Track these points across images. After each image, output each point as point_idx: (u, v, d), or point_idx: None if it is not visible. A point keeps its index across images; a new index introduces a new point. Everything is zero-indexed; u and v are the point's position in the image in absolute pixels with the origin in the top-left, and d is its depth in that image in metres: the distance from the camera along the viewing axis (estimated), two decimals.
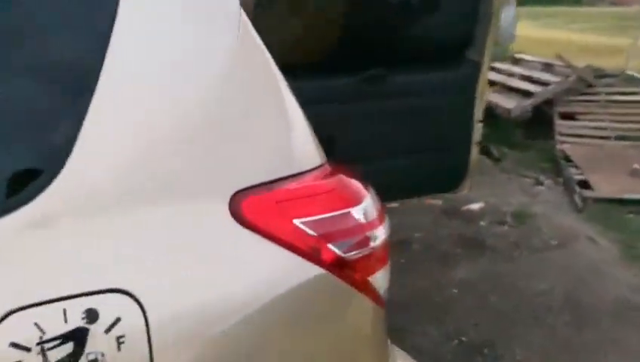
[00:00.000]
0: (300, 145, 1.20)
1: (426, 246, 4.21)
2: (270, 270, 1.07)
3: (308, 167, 1.17)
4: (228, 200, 1.04)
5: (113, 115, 0.98)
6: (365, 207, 1.20)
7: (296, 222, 1.09)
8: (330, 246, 1.12)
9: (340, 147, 2.82)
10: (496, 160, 6.09)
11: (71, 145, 0.92)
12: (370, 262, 1.20)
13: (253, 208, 1.06)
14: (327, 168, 1.22)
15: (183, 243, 0.99)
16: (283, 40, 2.56)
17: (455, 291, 3.57)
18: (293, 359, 1.10)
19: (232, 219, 1.04)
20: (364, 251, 1.18)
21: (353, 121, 2.85)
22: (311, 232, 1.10)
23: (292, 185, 1.11)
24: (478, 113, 3.04)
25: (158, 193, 0.98)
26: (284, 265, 1.08)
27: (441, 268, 3.88)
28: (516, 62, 7.88)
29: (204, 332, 0.98)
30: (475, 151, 3.11)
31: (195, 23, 1.11)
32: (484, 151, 6.13)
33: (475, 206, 4.85)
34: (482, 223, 4.58)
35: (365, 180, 1.33)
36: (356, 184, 1.25)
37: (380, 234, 1.23)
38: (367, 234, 1.19)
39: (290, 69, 2.58)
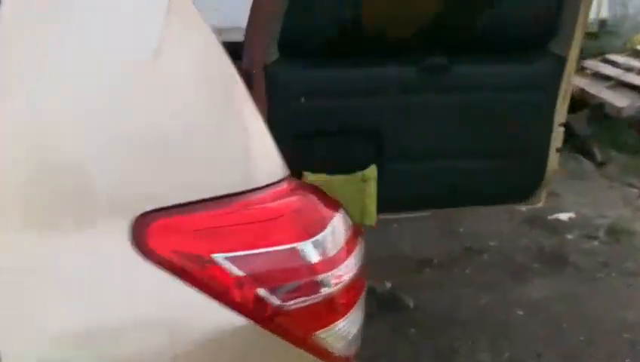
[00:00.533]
0: (243, 157, 0.97)
1: (499, 256, 3.81)
2: (179, 317, 0.86)
3: (253, 185, 0.94)
4: (129, 224, 0.84)
5: None
6: (321, 242, 0.96)
7: (217, 257, 0.87)
8: (260, 291, 0.89)
9: (391, 143, 2.55)
10: (600, 164, 5.42)
11: None
12: (320, 313, 0.96)
13: (161, 236, 0.85)
14: (285, 186, 0.98)
15: (62, 280, 0.81)
16: (328, 23, 2.31)
17: (521, 312, 3.18)
18: None
19: (133, 248, 0.84)
20: (311, 300, 0.94)
21: (409, 115, 2.55)
22: (236, 271, 0.88)
23: (219, 208, 0.89)
24: (561, 115, 2.61)
25: (30, 216, 0.81)
26: (197, 311, 0.87)
27: (510, 284, 3.48)
28: (638, 54, 6.99)
29: None
30: (554, 158, 2.68)
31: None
32: (586, 153, 5.50)
33: (564, 216, 4.33)
34: (569, 236, 4.07)
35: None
36: (318, 209, 1.00)
37: (340, 277, 0.97)
38: (318, 277, 0.94)
39: (339, 56, 2.33)
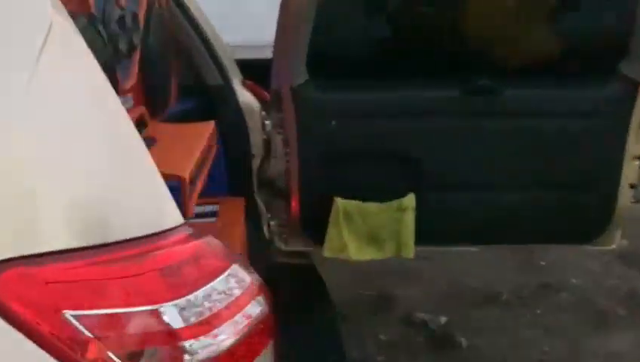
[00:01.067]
0: (121, 202, 0.89)
1: (580, 297, 3.41)
2: None
3: (118, 237, 0.86)
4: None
5: None
6: (191, 303, 0.86)
7: (68, 314, 0.81)
8: (111, 356, 0.82)
9: (432, 171, 2.36)
10: None
11: None
12: None
13: (10, 287, 0.81)
14: (161, 240, 0.90)
15: None
16: (359, 41, 2.19)
17: None
18: None
19: None
20: None
21: (452, 141, 2.34)
22: (85, 332, 0.81)
23: (79, 259, 0.83)
24: (635, 147, 2.26)
25: None
26: None
27: (587, 331, 3.09)
28: None
29: None
30: (626, 195, 2.32)
31: None
32: None
33: None
34: None
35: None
36: (197, 265, 0.90)
37: (214, 344, 0.87)
38: (184, 344, 0.85)
39: (372, 76, 2.20)
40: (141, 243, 0.88)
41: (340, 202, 2.38)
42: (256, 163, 2.42)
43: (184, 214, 1.46)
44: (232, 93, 2.30)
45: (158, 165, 1.49)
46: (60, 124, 0.87)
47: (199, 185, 1.71)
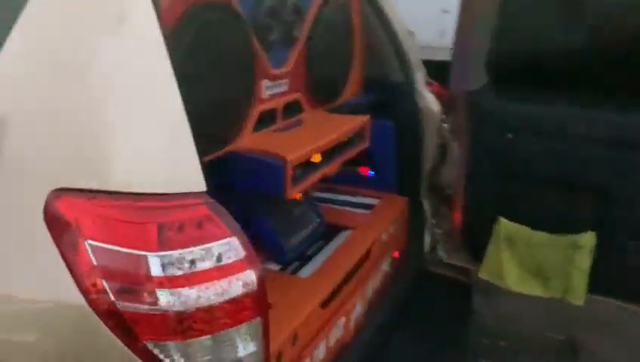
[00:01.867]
0: (158, 165, 1.03)
1: None
2: (39, 278, 1.03)
3: (155, 190, 1.01)
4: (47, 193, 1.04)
5: None
6: (175, 259, 0.96)
7: (88, 242, 0.99)
8: (103, 282, 0.97)
9: (623, 209, 1.99)
10: None
11: None
12: (155, 325, 0.96)
13: (64, 208, 1.02)
14: (173, 201, 1.01)
15: None
16: (549, 48, 1.97)
17: None
18: None
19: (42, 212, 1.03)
20: (144, 308, 0.96)
21: None
22: (92, 259, 0.99)
23: (114, 200, 1.00)
24: None
25: None
26: (53, 282, 1.01)
27: None
28: None
29: None
30: None
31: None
32: None
33: None
34: None
35: None
36: (193, 228, 0.99)
37: (191, 299, 0.96)
38: (156, 290, 0.95)
39: (559, 89, 1.96)
40: (159, 198, 1.01)
41: (503, 223, 2.19)
42: (428, 166, 2.37)
43: (284, 191, 1.56)
44: (411, 92, 2.28)
45: (279, 145, 1.62)
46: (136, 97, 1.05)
47: (326, 171, 1.79)
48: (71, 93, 1.05)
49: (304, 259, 1.90)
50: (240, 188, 1.63)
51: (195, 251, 0.98)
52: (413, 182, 2.37)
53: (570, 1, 1.91)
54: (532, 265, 2.18)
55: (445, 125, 2.31)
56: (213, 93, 1.44)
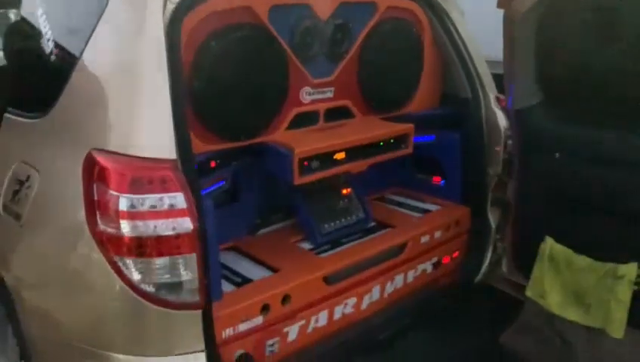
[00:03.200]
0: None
1: None
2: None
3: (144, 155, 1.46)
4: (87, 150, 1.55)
5: None
6: (137, 201, 1.40)
7: (95, 183, 1.47)
8: (97, 210, 1.45)
9: None
10: None
11: None
12: (119, 245, 1.40)
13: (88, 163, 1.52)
14: (162, 165, 1.45)
15: None
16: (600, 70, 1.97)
17: None
18: None
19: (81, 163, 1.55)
20: (112, 231, 1.41)
21: None
22: (95, 194, 1.46)
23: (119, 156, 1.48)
24: None
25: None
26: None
27: None
28: None
29: None
30: None
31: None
32: None
33: None
34: None
35: None
36: (157, 186, 1.41)
37: (143, 227, 1.39)
38: (120, 221, 1.40)
39: (609, 113, 1.98)
40: (142, 160, 1.45)
41: (549, 243, 2.18)
42: (493, 180, 2.44)
43: (291, 178, 1.89)
44: (477, 107, 2.37)
45: (299, 140, 1.95)
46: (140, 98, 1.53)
47: (350, 167, 2.07)
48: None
49: (336, 245, 2.19)
50: (268, 172, 2.01)
51: (152, 198, 1.40)
52: (477, 194, 2.46)
53: (603, 23, 1.87)
54: (573, 290, 2.13)
55: (510, 141, 2.36)
56: (243, 93, 1.85)
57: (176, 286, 1.45)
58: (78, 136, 1.60)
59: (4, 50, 2.24)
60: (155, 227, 1.41)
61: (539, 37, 2.02)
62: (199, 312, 1.50)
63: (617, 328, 2.04)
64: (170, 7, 1.58)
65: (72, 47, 1.73)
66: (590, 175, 2.04)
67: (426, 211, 2.51)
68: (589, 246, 2.07)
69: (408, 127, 2.23)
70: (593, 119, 1.98)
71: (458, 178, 2.53)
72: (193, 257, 1.44)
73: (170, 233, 1.42)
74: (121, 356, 1.49)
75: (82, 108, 1.63)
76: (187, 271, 1.45)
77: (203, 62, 1.73)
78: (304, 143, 1.93)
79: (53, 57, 1.83)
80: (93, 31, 1.63)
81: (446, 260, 2.42)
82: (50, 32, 1.84)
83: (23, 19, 2.16)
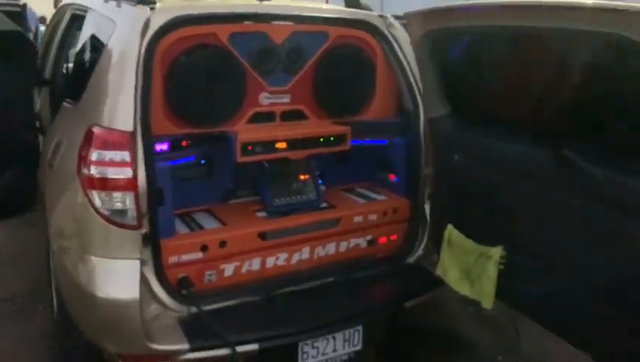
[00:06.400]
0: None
1: None
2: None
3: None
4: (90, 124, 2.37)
5: None
6: (98, 152, 2.20)
7: (91, 148, 2.28)
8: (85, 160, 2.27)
9: (523, 231, 2.34)
10: None
11: None
12: (90, 181, 2.20)
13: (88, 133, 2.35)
14: (121, 135, 2.22)
15: None
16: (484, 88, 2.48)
17: None
18: None
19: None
20: (86, 173, 2.22)
21: (542, 208, 2.19)
22: (89, 151, 2.27)
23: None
24: None
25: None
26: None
27: None
28: None
29: None
30: None
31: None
32: None
33: None
34: None
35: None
36: (113, 151, 2.20)
37: (99, 171, 2.20)
38: (91, 166, 2.21)
39: (495, 123, 2.50)
40: (112, 130, 2.25)
41: (449, 229, 2.66)
42: (429, 178, 2.94)
43: (235, 156, 2.59)
44: (417, 118, 2.88)
45: (248, 131, 2.65)
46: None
47: (289, 155, 2.71)
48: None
49: (284, 215, 2.84)
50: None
51: (111, 153, 2.19)
52: (416, 190, 2.98)
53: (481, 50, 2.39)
54: (463, 268, 2.59)
55: None
56: (206, 94, 2.60)
57: (122, 212, 2.22)
58: (89, 116, 2.42)
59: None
60: (110, 171, 2.19)
61: (436, 57, 2.54)
62: (137, 232, 2.25)
63: (487, 300, 2.48)
64: (150, 32, 2.37)
65: (93, 58, 2.61)
66: (477, 175, 2.51)
67: (371, 199, 3.08)
68: (475, 232, 2.53)
69: (344, 129, 2.84)
70: (487, 128, 2.46)
71: (403, 176, 3.06)
72: (132, 194, 2.21)
73: (119, 176, 2.20)
74: (92, 257, 2.28)
75: (93, 99, 2.47)
76: (129, 203, 2.21)
77: (175, 71, 2.51)
78: (251, 133, 2.64)
79: (86, 64, 2.73)
80: (104, 48, 2.49)
81: (382, 240, 2.97)
82: (88, 48, 2.75)
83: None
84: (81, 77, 2.73)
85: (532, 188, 2.24)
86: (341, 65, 2.91)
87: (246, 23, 2.65)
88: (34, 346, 3.09)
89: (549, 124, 2.17)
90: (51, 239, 2.57)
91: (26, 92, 3.32)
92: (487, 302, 2.48)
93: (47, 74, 3.69)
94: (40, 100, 3.77)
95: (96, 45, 2.66)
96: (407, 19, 2.67)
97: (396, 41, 2.95)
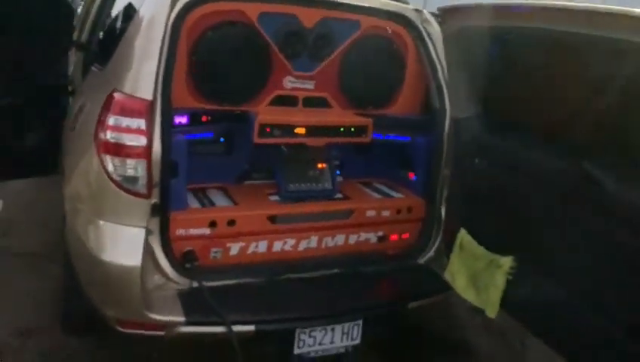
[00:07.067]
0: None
1: None
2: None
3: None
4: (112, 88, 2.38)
5: None
6: (115, 118, 2.21)
7: (109, 113, 2.30)
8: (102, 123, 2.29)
9: (537, 242, 2.27)
10: None
11: None
12: (106, 146, 2.21)
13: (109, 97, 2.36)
14: (140, 102, 2.23)
15: None
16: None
17: None
18: None
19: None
20: (103, 138, 2.23)
21: (551, 217, 2.12)
22: (102, 115, 2.29)
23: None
24: None
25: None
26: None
27: None
28: None
29: None
30: None
31: None
32: None
33: None
34: None
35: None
36: (130, 120, 2.21)
37: (115, 136, 2.21)
38: (107, 131, 2.22)
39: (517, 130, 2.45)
40: (131, 97, 2.25)
41: (462, 233, 2.59)
42: (448, 180, 2.88)
43: (253, 137, 2.57)
44: (442, 117, 2.83)
45: (269, 113, 2.63)
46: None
47: (306, 141, 2.70)
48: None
49: (297, 201, 2.81)
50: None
51: (128, 120, 2.20)
52: (434, 190, 2.92)
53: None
54: (471, 274, 2.53)
55: None
56: (229, 71, 2.58)
57: (133, 179, 2.23)
58: (113, 81, 2.43)
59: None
60: (126, 138, 2.20)
61: (469, 57, 2.47)
62: (147, 201, 2.26)
63: (492, 309, 2.41)
64: (179, 5, 2.37)
65: (123, 26, 2.62)
66: (497, 181, 2.43)
67: (386, 195, 3.03)
68: (487, 238, 2.46)
69: (366, 120, 2.79)
70: (513, 135, 2.37)
71: (423, 175, 3.00)
72: (144, 163, 2.21)
73: (133, 143, 2.20)
74: (101, 221, 2.30)
75: (119, 66, 2.47)
76: (140, 171, 2.22)
77: (201, 45, 2.51)
78: (271, 115, 2.62)
79: (117, 30, 2.74)
80: (134, 16, 2.49)
81: (394, 238, 2.92)
82: (120, 15, 2.77)
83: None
84: (110, 43, 2.74)
85: (553, 200, 2.16)
86: (370, 56, 2.86)
87: (276, 3, 2.63)
88: (41, 303, 3.16)
89: (580, 137, 2.08)
90: (65, 200, 2.60)
91: (60, 55, 3.37)
92: (492, 311, 2.41)
93: (83, 38, 3.75)
94: (74, 64, 3.82)
95: (128, 13, 2.68)
96: (441, 14, 2.60)
97: (429, 37, 2.88)
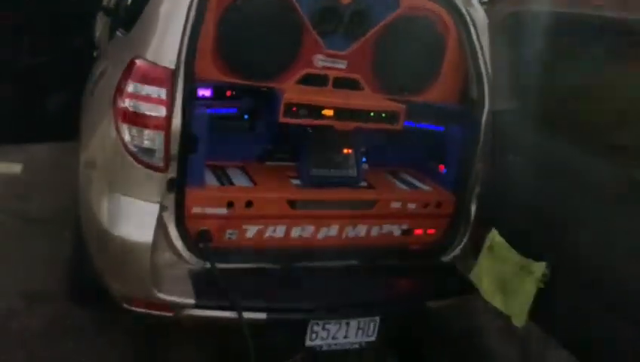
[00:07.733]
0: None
1: None
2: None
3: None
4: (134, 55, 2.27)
5: None
6: (135, 85, 2.10)
7: (129, 79, 2.18)
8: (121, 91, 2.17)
9: (571, 247, 2.11)
10: None
11: None
12: (124, 115, 2.10)
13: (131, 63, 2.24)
14: (163, 70, 2.12)
15: None
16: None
17: None
18: None
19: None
20: (122, 106, 2.12)
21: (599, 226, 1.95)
22: (122, 82, 2.18)
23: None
24: None
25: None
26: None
27: None
28: None
29: None
30: None
31: None
32: None
33: None
34: None
35: None
36: (151, 88, 2.09)
37: (134, 104, 2.09)
38: (125, 99, 2.10)
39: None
40: (154, 65, 2.13)
41: (493, 233, 2.43)
42: (481, 175, 2.71)
43: (278, 116, 2.44)
44: (480, 109, 2.65)
45: (297, 91, 2.49)
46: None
47: (335, 124, 2.55)
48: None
49: (320, 186, 2.68)
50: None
51: (148, 88, 2.09)
52: (465, 185, 2.75)
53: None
54: (500, 278, 2.37)
55: None
56: (257, 45, 2.43)
57: (150, 151, 2.12)
58: (135, 48, 2.31)
59: None
60: (145, 107, 2.09)
61: (516, 45, 2.29)
62: (163, 175, 2.15)
63: (520, 318, 2.26)
64: None
65: None
66: (534, 180, 2.27)
67: (414, 187, 2.87)
68: (520, 241, 2.30)
69: (398, 106, 2.63)
70: (556, 133, 2.21)
71: (454, 168, 2.83)
72: (162, 134, 2.10)
73: (152, 113, 2.09)
74: (113, 193, 2.20)
75: (143, 32, 2.35)
76: (158, 143, 2.10)
77: (229, 15, 2.36)
78: (298, 94, 2.47)
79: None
80: None
81: (418, 232, 2.77)
82: None
83: None
84: (136, 7, 2.62)
85: (590, 205, 1.99)
86: (408, 38, 2.68)
87: None
88: (51, 269, 3.09)
89: (627, 142, 1.91)
90: (80, 167, 2.51)
91: (87, 20, 3.27)
92: (519, 321, 2.26)
93: (112, 4, 3.64)
94: (101, 29, 3.73)
95: None
96: None
97: (473, 22, 2.69)
